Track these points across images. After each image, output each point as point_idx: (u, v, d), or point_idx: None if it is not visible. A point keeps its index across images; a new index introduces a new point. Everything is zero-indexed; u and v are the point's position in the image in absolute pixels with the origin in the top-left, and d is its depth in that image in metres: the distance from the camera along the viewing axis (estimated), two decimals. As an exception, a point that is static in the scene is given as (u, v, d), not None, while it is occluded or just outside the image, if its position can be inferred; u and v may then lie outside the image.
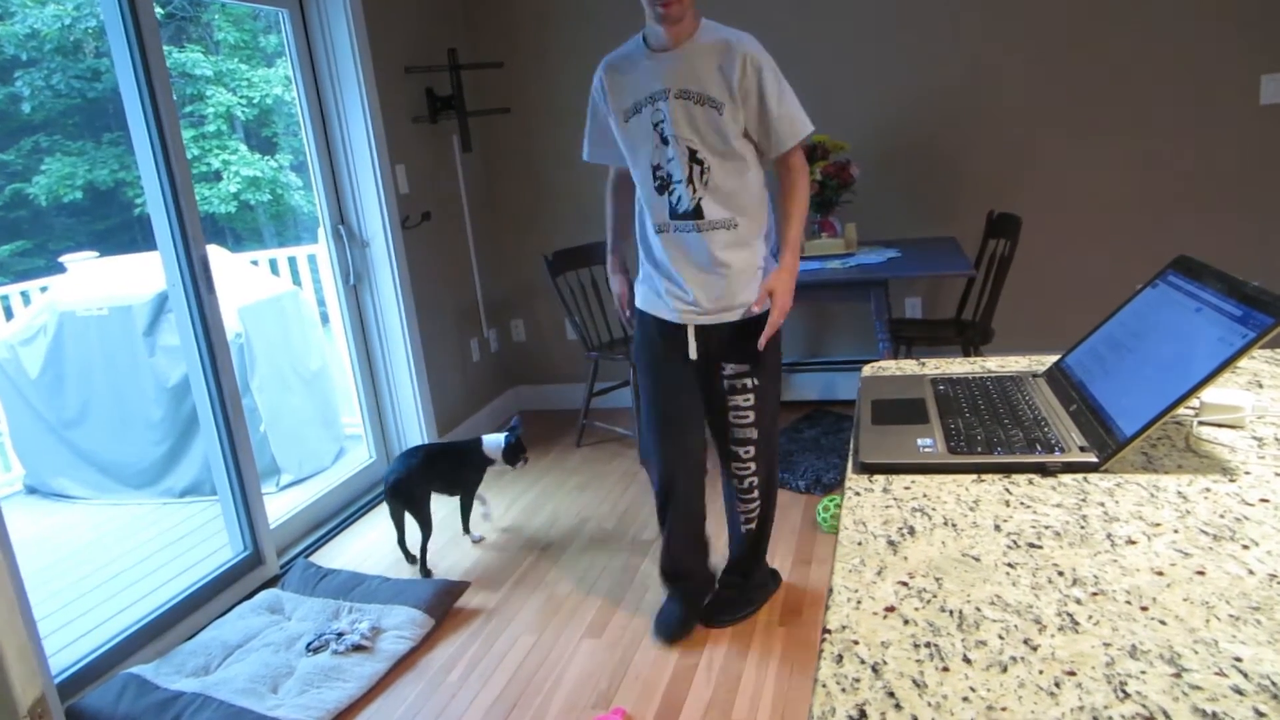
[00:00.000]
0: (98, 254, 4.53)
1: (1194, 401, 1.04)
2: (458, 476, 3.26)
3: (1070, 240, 3.93)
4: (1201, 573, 0.80)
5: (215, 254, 3.18)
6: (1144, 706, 0.62)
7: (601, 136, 2.49)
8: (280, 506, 3.52)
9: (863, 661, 0.71)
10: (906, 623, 0.76)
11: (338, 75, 3.64)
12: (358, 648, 2.58)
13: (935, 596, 0.80)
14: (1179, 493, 0.96)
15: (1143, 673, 0.66)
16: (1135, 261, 3.81)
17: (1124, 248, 3.87)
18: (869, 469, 1.09)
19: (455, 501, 3.35)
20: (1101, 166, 3.83)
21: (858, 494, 1.04)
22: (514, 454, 3.19)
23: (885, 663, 0.71)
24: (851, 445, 1.18)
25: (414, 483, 3.09)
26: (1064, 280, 3.98)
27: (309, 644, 2.61)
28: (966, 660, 0.70)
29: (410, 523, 3.15)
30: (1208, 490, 0.97)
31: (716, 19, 2.29)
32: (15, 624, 0.57)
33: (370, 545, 3.39)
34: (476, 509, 3.37)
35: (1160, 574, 0.80)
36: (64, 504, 4.12)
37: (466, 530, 3.36)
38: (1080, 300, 3.96)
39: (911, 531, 0.93)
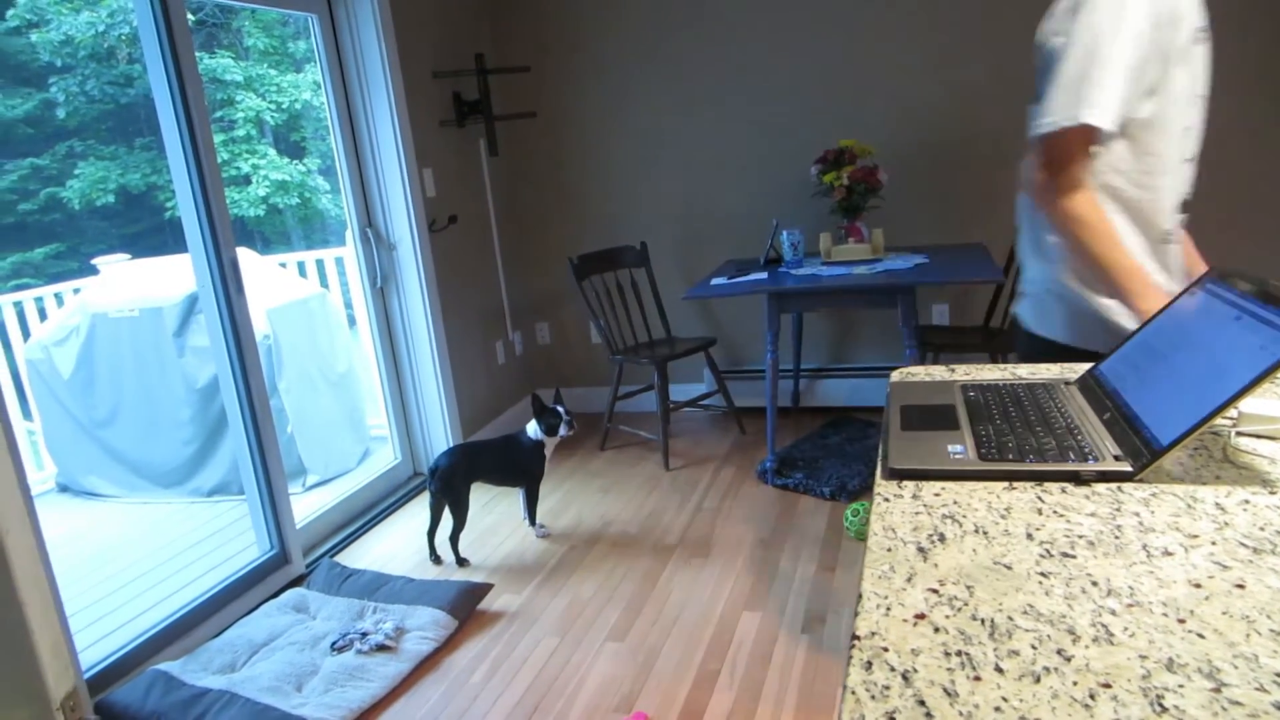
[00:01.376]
0: (129, 256, 4.59)
1: (1232, 411, 1.02)
2: (512, 468, 3.31)
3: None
4: (1241, 586, 0.78)
5: (244, 256, 3.22)
6: (1182, 720, 0.61)
7: (1140, 78, 1.54)
8: (306, 507, 3.55)
9: (892, 669, 0.70)
10: (937, 630, 0.75)
11: (366, 80, 3.67)
12: (382, 648, 2.59)
13: (966, 604, 0.79)
14: (1217, 504, 0.95)
15: (1180, 686, 0.65)
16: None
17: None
18: (898, 475, 1.08)
19: (484, 504, 3.37)
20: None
21: (887, 500, 1.03)
22: (551, 425, 3.21)
23: (915, 670, 0.70)
24: (880, 451, 1.17)
25: (457, 474, 3.15)
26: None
27: (334, 643, 2.63)
28: (999, 670, 0.69)
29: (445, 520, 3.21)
30: (1246, 502, 0.95)
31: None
32: (50, 620, 0.58)
33: (395, 546, 3.40)
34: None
35: (1198, 586, 0.79)
36: (95, 502, 4.17)
37: (531, 522, 3.39)
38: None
39: (942, 539, 0.92)
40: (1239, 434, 1.12)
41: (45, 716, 0.59)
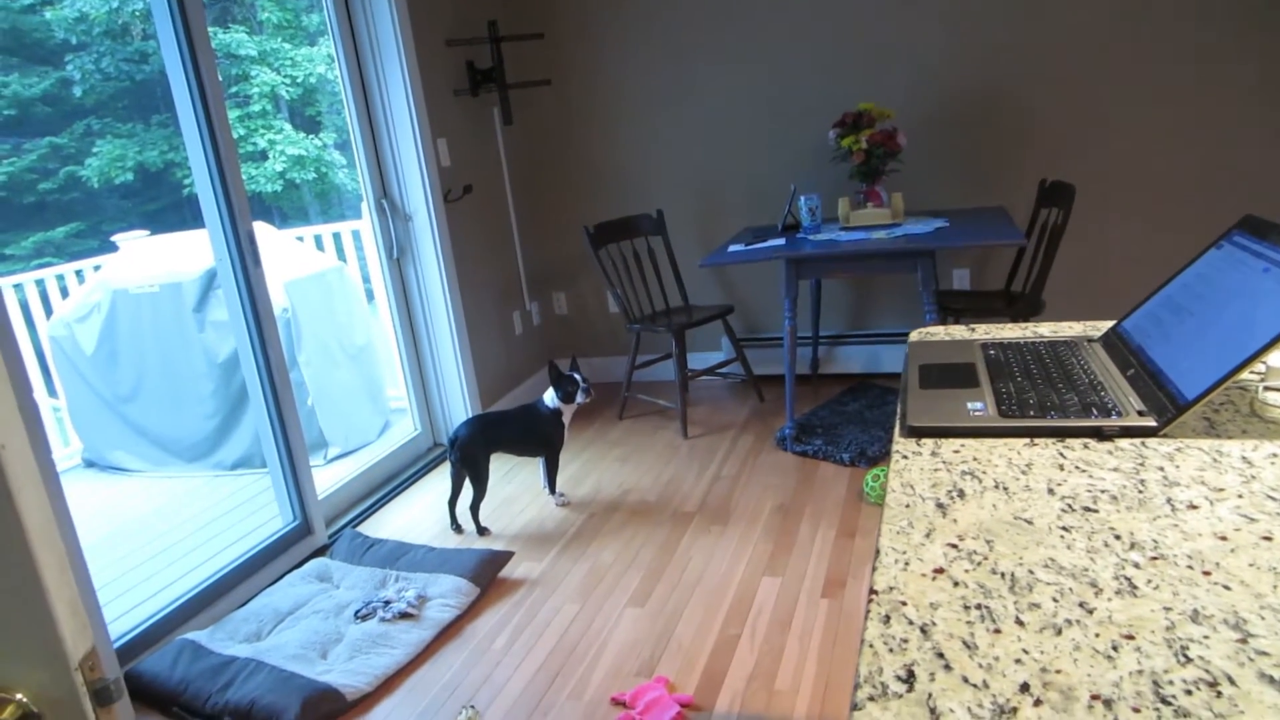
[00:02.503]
0: (148, 233, 4.61)
1: (1259, 366, 1.00)
2: (532, 437, 3.32)
3: (1127, 210, 3.82)
4: (1269, 538, 0.77)
5: (261, 230, 3.22)
6: (1207, 671, 0.60)
7: None
8: (328, 478, 3.58)
9: (911, 622, 0.70)
10: (956, 585, 0.74)
11: (379, 49, 3.64)
12: (404, 615, 2.62)
13: (986, 559, 0.78)
14: (1243, 458, 0.93)
15: (1205, 638, 0.64)
16: (1196, 232, 3.69)
17: (1185, 218, 3.75)
18: (917, 433, 1.07)
19: (504, 474, 3.38)
20: (1161, 133, 3.71)
21: (905, 458, 1.01)
22: (568, 392, 3.22)
23: (934, 624, 0.69)
24: (899, 409, 1.16)
25: (477, 445, 3.16)
26: (1119, 251, 3.87)
27: (357, 611, 2.65)
28: (1019, 623, 0.68)
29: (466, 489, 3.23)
30: (1274, 455, 0.93)
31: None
32: (65, 579, 0.58)
33: (416, 516, 3.43)
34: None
35: (1224, 539, 0.77)
36: (121, 477, 4.23)
37: (551, 491, 3.41)
38: (1136, 272, 3.85)
39: (961, 495, 0.91)
40: (1267, 388, 1.10)
41: (63, 677, 0.60)
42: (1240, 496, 0.84)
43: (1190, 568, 0.73)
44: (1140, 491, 0.87)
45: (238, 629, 2.62)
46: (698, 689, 2.22)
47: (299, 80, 8.00)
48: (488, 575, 2.84)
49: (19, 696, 0.61)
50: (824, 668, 2.25)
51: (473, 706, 2.21)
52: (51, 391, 4.43)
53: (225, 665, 2.41)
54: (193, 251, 3.96)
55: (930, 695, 0.61)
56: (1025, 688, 0.60)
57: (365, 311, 4.51)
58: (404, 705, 2.30)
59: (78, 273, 4.71)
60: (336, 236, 4.88)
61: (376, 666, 2.40)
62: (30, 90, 6.18)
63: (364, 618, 2.63)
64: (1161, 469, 0.92)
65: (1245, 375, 0.99)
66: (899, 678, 0.63)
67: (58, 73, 6.33)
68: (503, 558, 2.93)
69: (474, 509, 3.21)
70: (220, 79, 2.89)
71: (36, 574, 0.60)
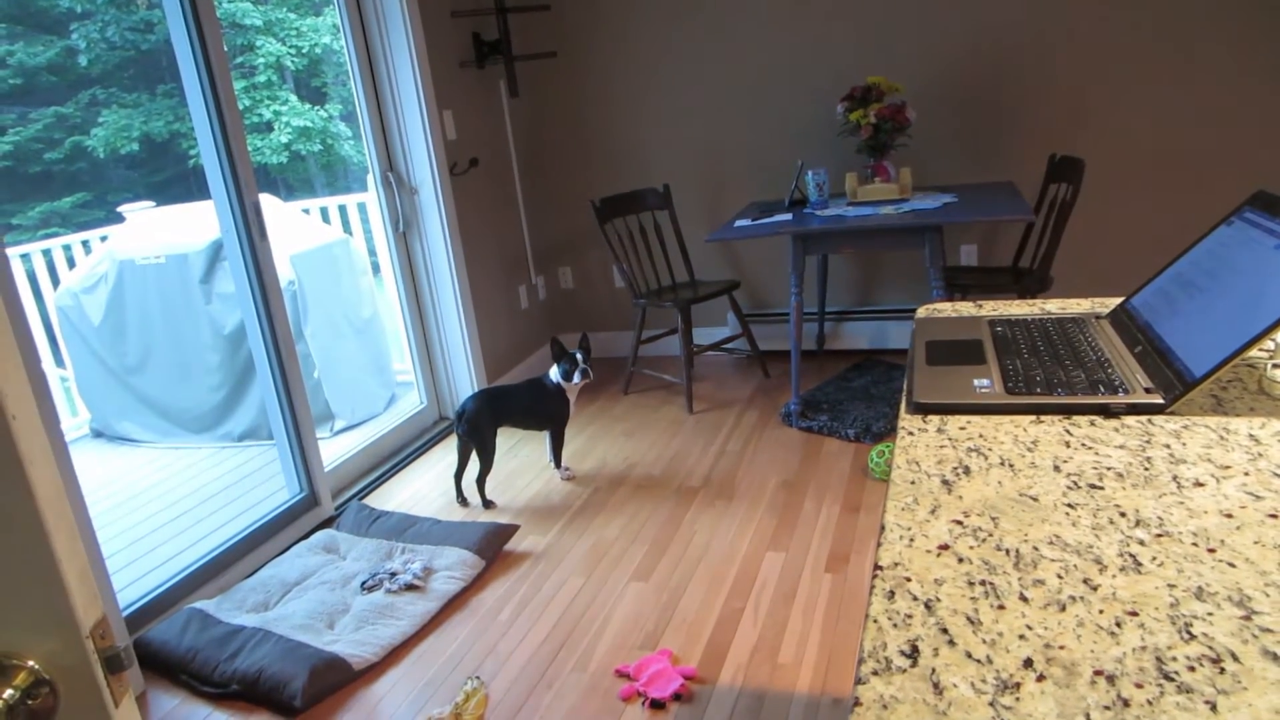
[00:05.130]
0: (154, 204, 4.61)
1: (1268, 343, 0.99)
2: (537, 411, 3.34)
3: (1137, 185, 3.79)
4: (1274, 516, 0.76)
5: (267, 202, 3.21)
6: (1210, 648, 0.60)
7: None
8: (334, 451, 3.59)
9: (915, 598, 0.70)
10: (961, 561, 0.74)
11: (384, 20, 3.62)
12: (410, 587, 2.64)
13: (991, 535, 0.78)
14: (1251, 435, 0.93)
15: (1209, 615, 0.64)
16: (1208, 208, 3.67)
17: (1196, 194, 3.72)
18: (923, 409, 1.07)
19: (510, 448, 3.40)
20: (1173, 108, 3.67)
21: (911, 434, 1.01)
22: (566, 371, 3.23)
23: (938, 599, 0.69)
24: (905, 386, 1.15)
25: (483, 418, 3.18)
26: (1128, 227, 3.85)
27: (363, 582, 2.68)
28: (1023, 599, 0.68)
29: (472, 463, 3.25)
30: (1281, 433, 0.93)
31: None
32: (76, 549, 0.59)
33: (422, 489, 3.45)
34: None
35: (1229, 516, 0.77)
36: (129, 447, 4.25)
37: (557, 465, 3.42)
38: (1145, 249, 3.83)
39: (967, 471, 0.91)
40: (1275, 366, 1.09)
41: (75, 644, 0.61)
42: (1246, 474, 0.84)
43: (1195, 545, 0.73)
44: (1146, 469, 0.87)
45: (245, 599, 2.65)
46: (701, 662, 2.24)
47: (304, 51, 7.95)
48: (493, 548, 2.86)
49: (31, 664, 0.62)
50: (827, 642, 2.26)
51: (478, 677, 2.23)
52: (59, 362, 4.45)
53: (233, 634, 2.44)
54: (199, 223, 3.95)
55: (934, 670, 0.61)
56: (1029, 663, 0.61)
57: (371, 284, 4.51)
58: (410, 675, 2.32)
59: (84, 243, 4.71)
60: (342, 209, 4.87)
61: (383, 637, 2.42)
62: (35, 59, 6.15)
63: (370, 589, 2.65)
64: (1168, 446, 0.92)
65: (1254, 352, 0.99)
66: (903, 653, 0.63)
67: (63, 41, 6.30)
68: (508, 531, 2.95)
69: (480, 482, 3.23)
70: (225, 49, 2.87)
71: (48, 544, 0.61)
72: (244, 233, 2.97)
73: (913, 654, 0.63)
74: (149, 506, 3.63)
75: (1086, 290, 3.90)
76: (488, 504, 3.22)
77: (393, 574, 2.69)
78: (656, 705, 2.09)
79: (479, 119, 4.19)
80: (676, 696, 2.11)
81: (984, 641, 0.64)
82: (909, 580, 0.72)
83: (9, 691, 0.60)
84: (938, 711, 0.57)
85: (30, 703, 0.61)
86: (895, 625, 0.67)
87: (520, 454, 3.67)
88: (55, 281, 4.49)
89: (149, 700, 2.34)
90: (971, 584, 0.71)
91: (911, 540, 0.79)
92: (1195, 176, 3.71)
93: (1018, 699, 0.57)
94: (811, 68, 4.06)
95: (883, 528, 0.82)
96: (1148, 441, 0.93)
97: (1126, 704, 0.56)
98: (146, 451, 4.19)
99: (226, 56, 2.87)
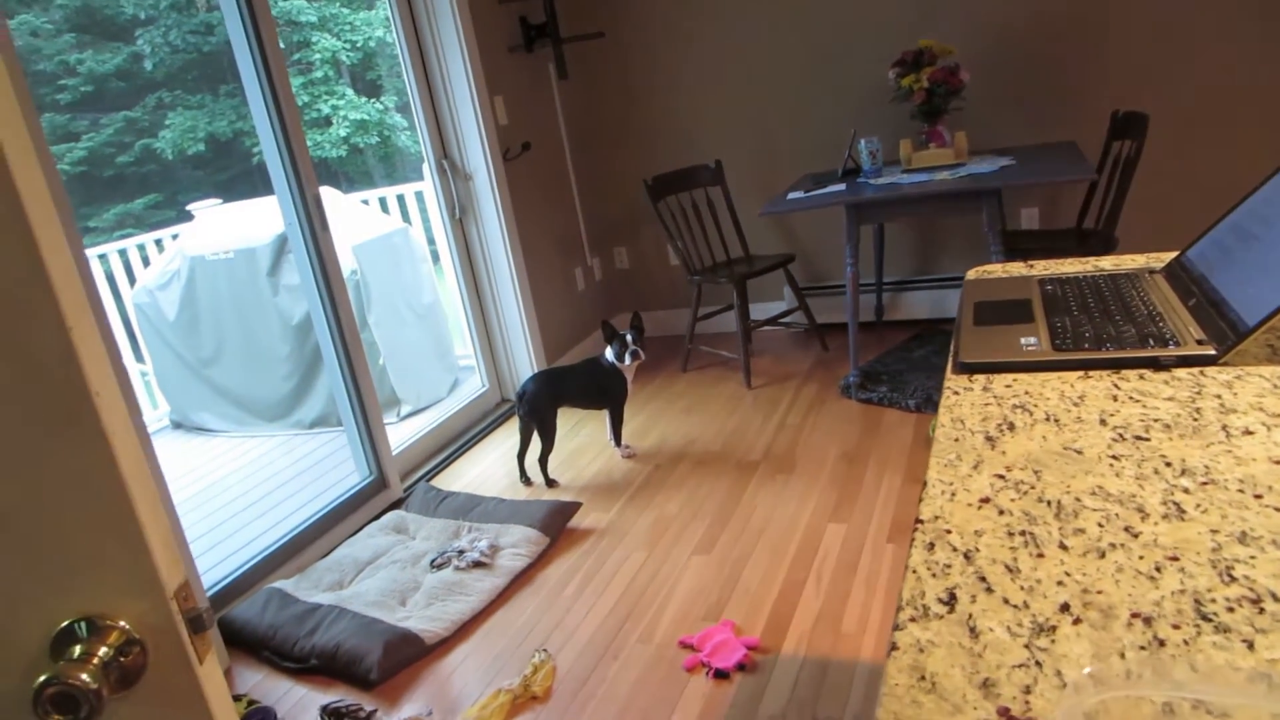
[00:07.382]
0: (221, 201, 4.76)
1: (1327, 289, 0.97)
2: (596, 391, 3.38)
3: (1205, 140, 3.66)
4: (1325, 461, 0.76)
5: (328, 195, 3.30)
6: (1251, 589, 0.60)
7: None
8: (401, 435, 3.69)
9: (954, 549, 0.71)
10: (1001, 513, 0.75)
11: (433, 9, 3.67)
12: (478, 564, 2.71)
13: (1033, 488, 0.79)
14: (1306, 383, 0.91)
15: (1252, 558, 0.64)
16: (1277, 160, 3.52)
17: (1267, 147, 3.58)
18: (969, 369, 1.07)
19: (571, 427, 3.45)
20: (1240, 57, 3.53)
21: (956, 394, 1.02)
22: (618, 351, 3.28)
23: (978, 550, 0.70)
24: (952, 347, 1.16)
25: (543, 399, 3.23)
26: (1196, 183, 3.72)
27: (433, 560, 2.76)
28: (1063, 547, 0.69)
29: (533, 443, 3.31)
30: (1339, 380, 0.91)
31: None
32: (159, 516, 0.64)
33: (486, 469, 3.52)
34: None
35: (1279, 463, 0.76)
36: (206, 437, 4.42)
37: (617, 443, 3.47)
38: (1213, 204, 3.69)
39: (1011, 427, 0.91)
40: (1336, 314, 1.07)
41: (161, 606, 0.66)
42: (1300, 423, 0.83)
43: (1241, 491, 0.73)
44: (1195, 419, 0.86)
45: (321, 578, 2.75)
46: (764, 632, 2.26)
47: (358, 45, 8.09)
48: (557, 525, 2.91)
49: (122, 624, 0.67)
50: (889, 611, 2.26)
51: (545, 650, 2.29)
52: (139, 357, 4.64)
53: (310, 612, 2.54)
54: (264, 218, 4.08)
55: (970, 615, 0.63)
56: (1065, 607, 0.62)
57: (431, 272, 4.60)
58: (480, 649, 2.39)
59: (157, 242, 4.89)
60: (400, 199, 4.96)
61: (453, 612, 2.50)
62: (104, 66, 6.38)
63: (439, 566, 2.73)
64: (1219, 396, 0.91)
65: (1311, 301, 0.97)
66: (941, 600, 0.65)
67: (129, 48, 6.51)
68: (571, 508, 3.00)
69: (542, 461, 3.29)
70: (282, 46, 2.95)
71: (133, 512, 0.65)
72: (306, 226, 3.06)
73: (950, 601, 0.65)
74: (227, 493, 3.77)
75: (1154, 249, 3.78)
76: (551, 483, 3.28)
77: (460, 552, 2.76)
78: (720, 675, 2.13)
79: (530, 103, 4.22)
80: (740, 666, 2.14)
81: (1022, 588, 0.65)
82: (949, 532, 0.74)
83: (104, 649, 0.65)
84: (973, 654, 0.59)
85: (123, 660, 0.66)
86: (934, 575, 0.68)
87: (581, 433, 3.72)
88: (132, 280, 4.68)
89: (234, 675, 2.45)
90: (1011, 534, 0.72)
91: (953, 495, 0.80)
92: (1267, 129, 3.56)
93: (1053, 640, 0.59)
94: (861, 34, 4.00)
95: (925, 483, 0.83)
96: (1198, 393, 0.92)
97: (1162, 644, 0.57)
98: (223, 441, 4.35)
99: (283, 54, 2.95)
